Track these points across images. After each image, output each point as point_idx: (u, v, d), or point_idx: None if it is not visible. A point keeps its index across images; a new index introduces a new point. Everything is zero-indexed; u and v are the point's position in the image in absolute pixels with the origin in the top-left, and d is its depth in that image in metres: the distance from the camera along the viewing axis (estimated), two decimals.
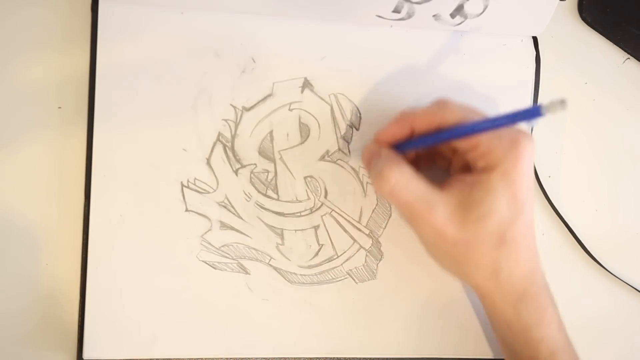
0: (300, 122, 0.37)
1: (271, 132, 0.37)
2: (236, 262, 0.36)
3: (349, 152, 0.38)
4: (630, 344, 0.42)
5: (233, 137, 0.37)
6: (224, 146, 0.36)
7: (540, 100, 0.40)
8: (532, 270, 0.31)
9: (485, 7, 0.36)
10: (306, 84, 0.37)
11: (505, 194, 0.30)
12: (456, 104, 0.31)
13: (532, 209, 0.31)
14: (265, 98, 0.37)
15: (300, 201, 0.37)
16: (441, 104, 0.32)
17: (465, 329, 0.38)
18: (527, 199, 0.30)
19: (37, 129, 0.36)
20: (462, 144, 0.31)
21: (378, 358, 0.38)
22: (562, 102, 0.26)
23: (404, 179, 0.30)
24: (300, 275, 0.37)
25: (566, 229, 0.40)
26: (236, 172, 0.37)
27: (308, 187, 0.37)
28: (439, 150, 0.35)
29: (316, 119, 0.37)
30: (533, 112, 0.27)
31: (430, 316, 0.38)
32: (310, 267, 0.37)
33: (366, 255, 0.38)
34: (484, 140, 0.30)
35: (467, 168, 0.32)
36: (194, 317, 0.36)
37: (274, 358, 0.37)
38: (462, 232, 0.30)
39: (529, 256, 0.31)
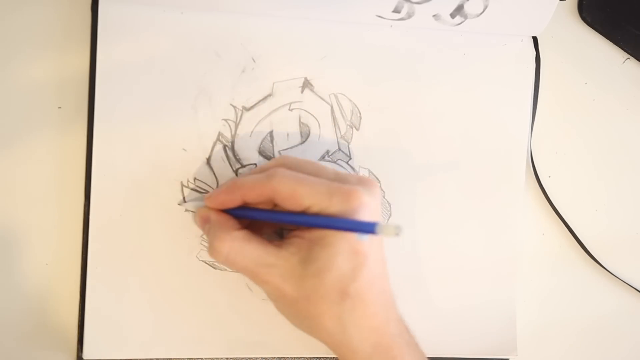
0: (300, 122, 0.37)
1: (271, 132, 0.37)
2: None
3: (349, 152, 0.38)
4: (630, 344, 0.42)
5: (233, 137, 0.37)
6: (224, 146, 0.36)
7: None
8: (383, 321, 0.30)
9: (485, 7, 0.36)
10: (306, 84, 0.37)
11: (344, 248, 0.29)
12: (286, 173, 0.30)
13: (381, 258, 0.31)
14: (265, 98, 0.37)
15: None
16: (271, 174, 0.30)
17: (464, 328, 0.38)
18: (370, 250, 0.29)
19: (37, 129, 0.36)
20: (295, 208, 0.30)
21: None
22: (396, 228, 0.26)
23: (236, 246, 0.30)
24: None
25: (566, 229, 0.40)
26: (236, 172, 0.37)
27: None
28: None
29: (316, 119, 0.37)
30: (367, 228, 0.27)
31: (430, 316, 0.38)
32: None
33: None
34: (315, 201, 0.29)
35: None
36: (194, 317, 0.36)
37: (274, 358, 0.37)
38: (301, 288, 0.29)
39: (378, 308, 0.30)
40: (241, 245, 0.30)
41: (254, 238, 0.30)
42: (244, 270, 0.30)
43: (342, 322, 0.29)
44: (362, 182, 0.31)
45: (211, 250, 0.30)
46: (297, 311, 0.30)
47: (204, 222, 0.32)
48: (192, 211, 0.36)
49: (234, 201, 0.31)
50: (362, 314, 0.29)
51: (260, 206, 0.32)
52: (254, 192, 0.31)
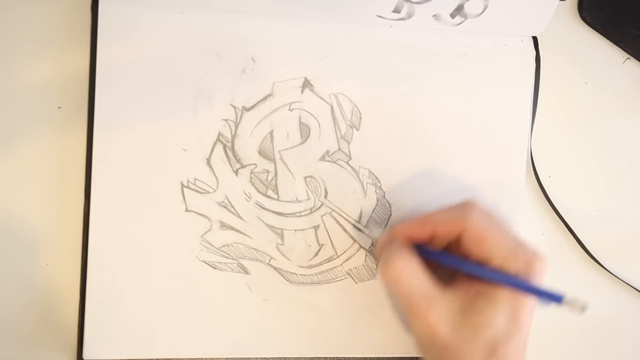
0: (300, 122, 0.37)
1: (271, 132, 0.37)
2: (236, 262, 0.36)
3: (349, 152, 0.38)
4: (630, 344, 0.42)
5: (233, 137, 0.37)
6: (224, 146, 0.36)
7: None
8: None
9: (485, 7, 0.36)
10: (306, 84, 0.37)
11: (507, 311, 0.30)
12: (482, 216, 0.31)
13: (529, 329, 0.31)
14: (265, 98, 0.37)
15: (300, 201, 0.37)
16: (467, 214, 0.31)
17: None
18: (527, 319, 0.30)
19: (37, 129, 0.36)
20: (477, 255, 0.31)
21: (378, 358, 0.38)
22: (584, 305, 0.27)
23: (410, 270, 0.30)
24: (300, 275, 0.37)
25: (566, 229, 0.40)
26: (236, 172, 0.37)
27: (308, 187, 0.37)
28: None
29: (316, 119, 0.37)
30: (553, 297, 0.29)
31: None
32: (310, 267, 0.37)
33: (366, 255, 0.38)
34: (500, 253, 0.30)
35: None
36: (194, 317, 0.36)
37: (274, 358, 0.37)
38: (454, 335, 0.29)
39: None
40: (414, 271, 0.30)
41: (426, 270, 0.31)
42: (407, 297, 0.30)
43: None
44: (539, 252, 0.31)
45: (386, 264, 0.31)
46: (440, 355, 0.30)
47: (386, 246, 0.33)
48: (371, 238, 0.37)
49: (424, 232, 0.32)
50: None
51: (442, 242, 0.32)
52: (445, 227, 0.31)
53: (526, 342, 0.31)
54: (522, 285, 0.30)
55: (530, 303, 0.30)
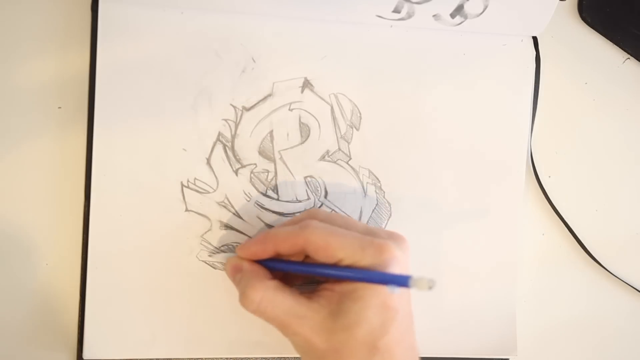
0: (300, 122, 0.37)
1: (271, 132, 0.37)
2: None
3: (349, 152, 0.38)
4: (630, 344, 0.42)
5: (233, 137, 0.37)
6: (224, 146, 0.36)
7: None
8: None
9: (485, 7, 0.36)
10: (306, 84, 0.37)
11: (375, 302, 0.29)
12: (319, 225, 0.31)
13: (409, 313, 0.31)
14: (265, 98, 0.37)
15: (300, 201, 0.37)
16: (304, 225, 0.31)
17: (464, 328, 0.38)
18: (399, 305, 0.30)
19: (37, 129, 0.36)
20: (327, 261, 0.30)
21: None
22: (429, 282, 0.26)
23: (268, 296, 0.30)
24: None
25: (566, 229, 0.40)
26: (236, 172, 0.37)
27: (308, 187, 0.37)
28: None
29: (316, 119, 0.37)
30: (400, 281, 0.27)
31: (430, 316, 0.38)
32: None
33: None
34: (347, 253, 0.29)
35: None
36: (194, 317, 0.36)
37: (274, 358, 0.37)
38: (330, 341, 0.29)
39: None
40: (274, 294, 0.30)
41: (286, 289, 0.31)
42: (274, 320, 0.30)
43: None
44: (392, 236, 0.31)
45: (243, 298, 0.30)
46: None
47: (235, 272, 0.32)
48: (220, 262, 0.36)
49: (266, 252, 0.32)
50: None
51: (293, 258, 0.32)
52: (286, 243, 0.31)
53: (410, 329, 0.31)
54: (367, 277, 0.29)
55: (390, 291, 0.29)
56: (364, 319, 0.29)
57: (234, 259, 0.33)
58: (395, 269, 0.29)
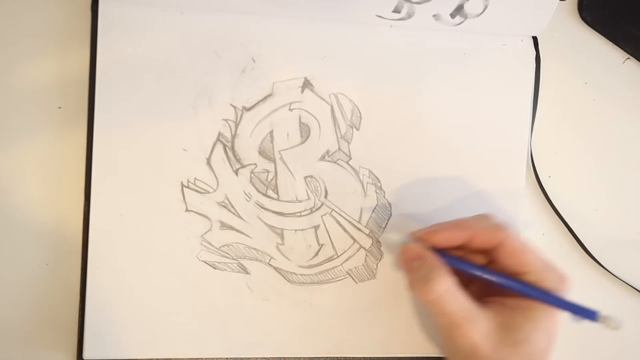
0: (300, 122, 0.37)
1: (271, 132, 0.37)
2: (236, 262, 0.36)
3: (349, 152, 0.38)
4: (630, 344, 0.42)
5: (233, 137, 0.37)
6: (224, 146, 0.36)
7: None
8: None
9: (485, 7, 0.36)
10: (306, 84, 0.37)
11: (545, 325, 0.30)
12: (516, 231, 0.32)
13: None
14: (265, 98, 0.37)
15: (300, 201, 0.37)
16: (503, 226, 0.31)
17: None
18: (558, 334, 0.31)
19: (37, 129, 0.36)
20: (514, 267, 0.31)
21: (378, 358, 0.38)
22: (619, 323, 0.29)
23: (452, 290, 0.30)
24: (300, 275, 0.37)
25: (566, 229, 0.40)
26: (236, 172, 0.37)
27: (308, 187, 0.37)
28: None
29: (316, 119, 0.37)
30: (588, 314, 0.29)
31: (430, 316, 0.38)
32: (310, 267, 0.37)
33: (366, 255, 0.38)
34: (536, 268, 0.30)
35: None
36: (194, 317, 0.36)
37: (274, 358, 0.37)
38: (497, 352, 0.30)
39: None
40: (455, 291, 0.30)
41: (463, 290, 0.31)
42: (449, 317, 0.30)
43: None
44: (565, 272, 0.32)
45: (425, 286, 0.30)
46: None
47: (415, 259, 0.32)
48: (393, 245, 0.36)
49: (457, 240, 0.32)
50: None
51: (472, 258, 0.32)
52: (484, 236, 0.31)
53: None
54: (560, 302, 0.30)
55: (562, 319, 0.31)
56: (534, 339, 0.30)
57: (413, 245, 0.33)
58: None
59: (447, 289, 0.30)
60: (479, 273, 0.32)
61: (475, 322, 0.30)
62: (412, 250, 0.33)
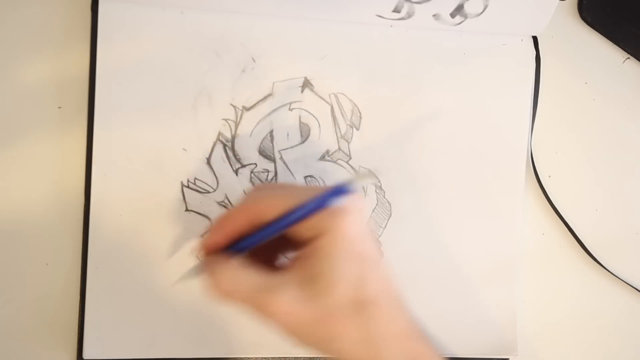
0: (300, 122, 0.37)
1: (271, 132, 0.37)
2: None
3: (349, 152, 0.38)
4: (630, 344, 0.42)
5: (233, 136, 0.37)
6: (224, 146, 0.36)
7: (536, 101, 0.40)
8: (406, 324, 0.28)
9: (485, 7, 0.36)
10: (306, 84, 0.37)
11: (343, 255, 0.26)
12: (261, 187, 0.29)
13: (380, 256, 0.28)
14: (265, 98, 0.37)
15: None
16: (247, 195, 0.29)
17: (465, 328, 0.38)
18: (370, 251, 0.27)
19: (37, 129, 0.36)
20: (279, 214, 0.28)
21: None
22: (364, 169, 0.25)
23: (230, 274, 0.27)
24: None
25: (566, 229, 0.40)
26: (236, 171, 0.37)
27: None
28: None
29: (316, 119, 0.37)
30: (342, 189, 0.26)
31: (430, 316, 0.38)
32: None
33: None
34: (294, 202, 0.27)
35: (289, 247, 0.30)
36: (193, 317, 0.36)
37: (274, 358, 0.37)
38: (312, 309, 0.26)
39: (397, 310, 0.28)
40: (236, 272, 0.27)
41: (251, 265, 0.28)
42: (247, 301, 0.27)
43: (366, 334, 0.27)
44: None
45: (209, 290, 0.28)
46: (315, 335, 0.27)
47: (204, 272, 0.29)
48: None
49: (225, 236, 0.29)
50: (383, 320, 0.27)
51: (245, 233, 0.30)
52: (239, 218, 0.29)
53: (388, 272, 0.28)
54: (309, 207, 0.27)
55: (361, 232, 0.27)
56: (338, 276, 0.26)
57: (201, 263, 0.30)
58: (355, 212, 0.27)
59: (226, 275, 0.27)
60: (252, 241, 0.29)
61: (275, 291, 0.26)
62: (198, 267, 0.30)
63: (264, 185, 0.32)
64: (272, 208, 0.28)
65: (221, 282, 0.27)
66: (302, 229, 0.28)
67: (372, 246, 0.28)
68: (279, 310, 0.26)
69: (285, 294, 0.26)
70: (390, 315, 0.27)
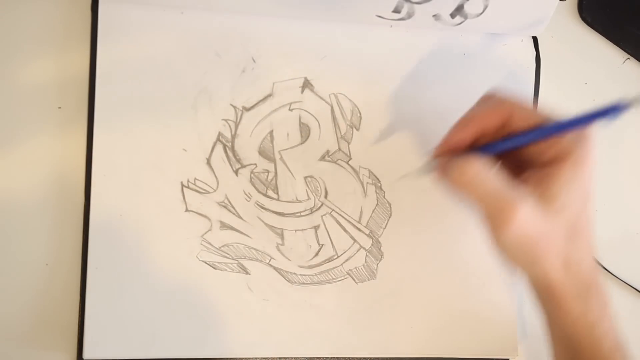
0: (300, 122, 0.37)
1: (271, 132, 0.37)
2: (236, 262, 0.36)
3: (349, 152, 0.38)
4: (630, 343, 0.42)
5: (233, 137, 0.37)
6: (224, 146, 0.36)
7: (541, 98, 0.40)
8: (595, 261, 0.31)
9: (485, 7, 0.36)
10: (306, 84, 0.37)
11: (578, 185, 0.29)
12: (514, 95, 0.31)
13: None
14: (265, 98, 0.37)
15: (301, 201, 0.37)
16: (502, 98, 0.31)
17: (465, 329, 0.38)
18: (592, 188, 0.30)
19: (37, 129, 0.36)
20: (531, 126, 0.30)
21: (378, 358, 0.38)
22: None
23: (478, 168, 0.29)
24: (301, 275, 0.37)
25: None
26: (236, 172, 0.37)
27: (308, 187, 0.37)
28: None
29: (316, 119, 0.37)
30: (614, 110, 0.28)
31: (431, 316, 0.38)
32: (310, 267, 0.37)
33: (366, 255, 0.38)
34: (550, 117, 0.30)
35: (526, 163, 0.32)
36: (194, 317, 0.36)
37: (274, 358, 0.37)
38: (543, 225, 0.29)
39: (592, 247, 0.31)
40: (484, 169, 0.29)
41: (494, 171, 0.30)
42: (485, 199, 0.29)
43: (568, 259, 0.30)
44: None
45: (456, 173, 0.29)
46: (531, 250, 0.29)
47: (444, 169, 0.31)
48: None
49: (470, 135, 0.31)
50: (584, 251, 0.30)
51: (489, 138, 0.31)
52: (491, 118, 0.31)
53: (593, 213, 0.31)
54: (584, 117, 0.29)
55: (593, 169, 0.30)
56: (571, 202, 0.29)
57: (440, 158, 0.32)
58: (594, 147, 0.30)
59: (480, 169, 0.29)
60: (502, 146, 0.31)
61: (516, 200, 0.28)
62: (441, 162, 0.32)
63: (504, 95, 0.32)
64: (530, 111, 0.30)
65: (466, 173, 0.29)
66: (544, 147, 0.30)
67: (593, 182, 0.31)
68: (516, 217, 0.28)
69: (526, 205, 0.28)
70: (589, 247, 0.31)
